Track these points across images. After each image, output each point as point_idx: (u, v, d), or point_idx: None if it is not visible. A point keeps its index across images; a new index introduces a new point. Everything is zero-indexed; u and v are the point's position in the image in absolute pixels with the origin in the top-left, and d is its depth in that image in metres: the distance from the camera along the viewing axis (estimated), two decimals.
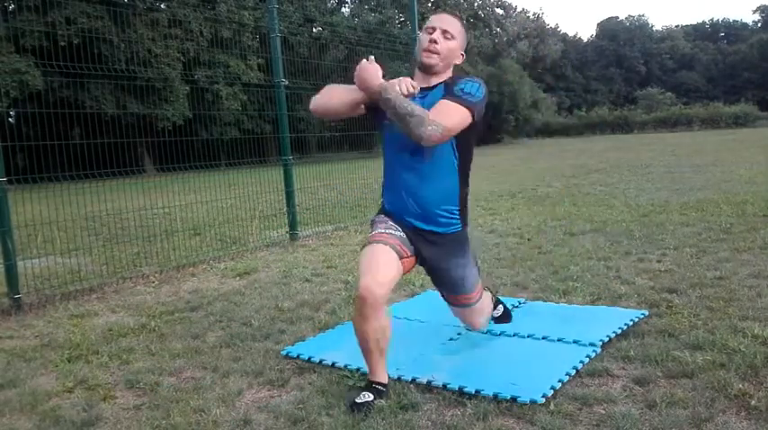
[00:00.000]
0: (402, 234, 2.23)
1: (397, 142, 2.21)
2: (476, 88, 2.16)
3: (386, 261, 2.12)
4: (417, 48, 2.26)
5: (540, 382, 2.15)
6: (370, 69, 2.10)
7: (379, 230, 2.22)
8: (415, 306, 3.31)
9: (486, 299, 2.56)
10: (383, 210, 2.33)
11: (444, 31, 2.24)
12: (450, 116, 2.08)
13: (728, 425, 1.85)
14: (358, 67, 2.11)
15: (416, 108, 2.03)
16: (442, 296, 2.47)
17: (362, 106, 2.24)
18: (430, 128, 2.01)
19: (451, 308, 2.50)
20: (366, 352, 2.15)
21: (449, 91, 2.16)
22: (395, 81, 2.09)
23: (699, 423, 1.86)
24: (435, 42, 2.20)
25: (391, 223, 2.25)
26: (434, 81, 2.23)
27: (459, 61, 2.31)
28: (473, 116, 2.13)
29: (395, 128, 2.13)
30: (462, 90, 2.14)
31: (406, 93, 2.06)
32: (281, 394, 2.28)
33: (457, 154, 2.22)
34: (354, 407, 2.05)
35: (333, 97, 2.24)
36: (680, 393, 2.04)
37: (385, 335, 2.11)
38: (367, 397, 2.09)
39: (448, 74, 2.28)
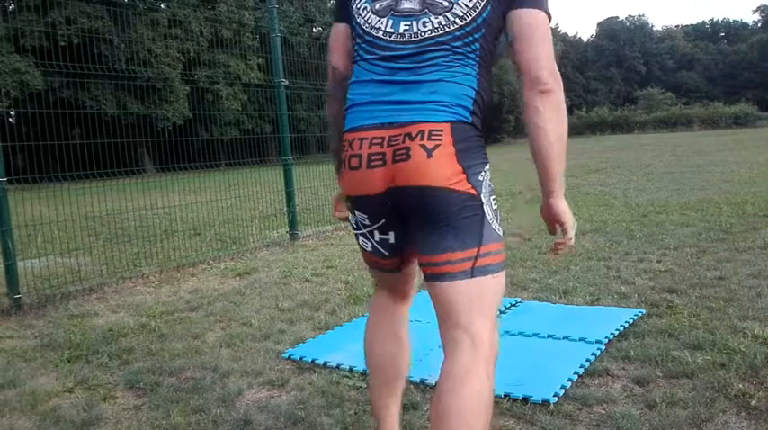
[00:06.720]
0: None
1: None
2: None
3: None
4: None
5: (550, 381, 2.15)
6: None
7: None
8: (414, 305, 3.29)
9: None
10: None
11: None
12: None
13: (728, 425, 1.85)
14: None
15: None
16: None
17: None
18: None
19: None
20: None
21: None
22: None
23: (699, 423, 1.86)
24: None
25: None
26: None
27: None
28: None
29: None
30: None
31: None
32: (281, 394, 2.28)
33: None
34: None
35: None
36: (680, 393, 2.04)
37: None
38: None
39: None
